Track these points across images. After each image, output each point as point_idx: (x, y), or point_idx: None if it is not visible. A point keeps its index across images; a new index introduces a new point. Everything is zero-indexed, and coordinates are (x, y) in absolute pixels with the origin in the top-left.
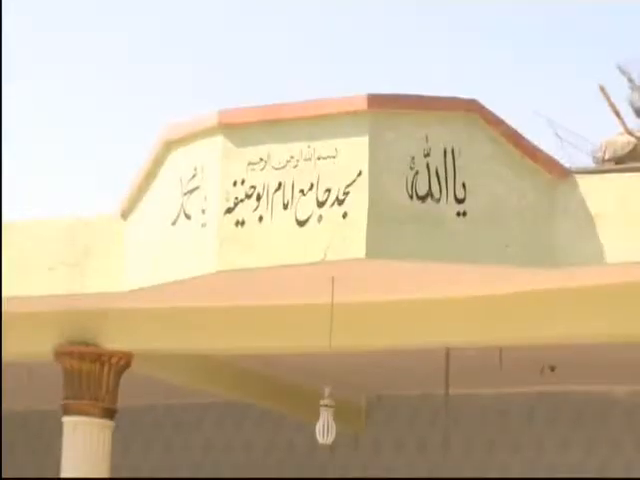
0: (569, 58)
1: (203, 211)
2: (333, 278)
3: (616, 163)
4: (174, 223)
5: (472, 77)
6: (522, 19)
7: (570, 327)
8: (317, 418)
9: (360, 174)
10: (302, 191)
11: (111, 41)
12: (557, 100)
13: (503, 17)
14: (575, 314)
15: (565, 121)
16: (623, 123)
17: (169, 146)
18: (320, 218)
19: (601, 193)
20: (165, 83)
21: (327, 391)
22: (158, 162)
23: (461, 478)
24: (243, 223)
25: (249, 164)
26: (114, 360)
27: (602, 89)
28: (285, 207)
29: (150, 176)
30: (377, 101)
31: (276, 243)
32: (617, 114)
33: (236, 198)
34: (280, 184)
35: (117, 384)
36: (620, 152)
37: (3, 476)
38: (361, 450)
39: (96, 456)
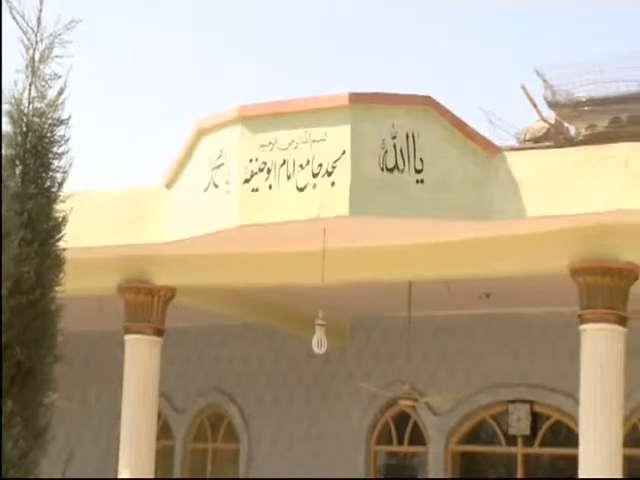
0: (499, 62)
1: (227, 182)
2: (324, 230)
3: (534, 143)
4: (205, 191)
5: (428, 75)
6: (467, 25)
7: (501, 264)
8: (313, 334)
9: (344, 153)
10: (301, 166)
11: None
12: (491, 94)
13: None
14: (504, 254)
15: (496, 111)
16: (539, 113)
17: (200, 134)
18: (315, 186)
19: (523, 165)
20: (200, 84)
21: (321, 314)
22: (192, 146)
23: None
24: (257, 190)
25: (261, 146)
26: (162, 293)
27: (523, 88)
28: (288, 178)
29: (187, 156)
30: (356, 98)
31: (282, 205)
32: (535, 106)
33: (252, 171)
34: (284, 161)
35: (164, 311)
36: (537, 134)
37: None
38: (346, 360)
39: (149, 365)
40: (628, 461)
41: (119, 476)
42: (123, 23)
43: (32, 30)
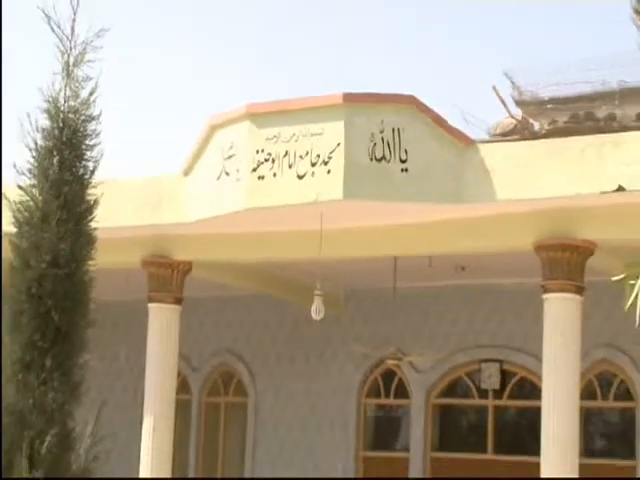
0: (474, 64)
1: (237, 170)
2: (322, 212)
3: (503, 136)
4: (218, 178)
5: (418, 74)
6: (452, 27)
7: (474, 241)
8: (312, 303)
9: (339, 145)
10: (301, 156)
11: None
12: (467, 93)
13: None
14: (477, 233)
15: (470, 108)
16: (508, 110)
17: (214, 128)
18: (313, 174)
19: (494, 155)
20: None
21: (319, 285)
22: (207, 139)
23: None
24: (263, 178)
25: (266, 139)
26: (180, 267)
27: (494, 88)
28: (290, 167)
29: (202, 148)
30: (349, 97)
31: (284, 190)
32: (504, 104)
33: (258, 161)
34: (287, 152)
35: (182, 282)
36: (506, 129)
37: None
38: (341, 325)
39: (170, 330)
40: (585, 411)
41: (144, 425)
42: (139, 25)
43: (67, 38)
